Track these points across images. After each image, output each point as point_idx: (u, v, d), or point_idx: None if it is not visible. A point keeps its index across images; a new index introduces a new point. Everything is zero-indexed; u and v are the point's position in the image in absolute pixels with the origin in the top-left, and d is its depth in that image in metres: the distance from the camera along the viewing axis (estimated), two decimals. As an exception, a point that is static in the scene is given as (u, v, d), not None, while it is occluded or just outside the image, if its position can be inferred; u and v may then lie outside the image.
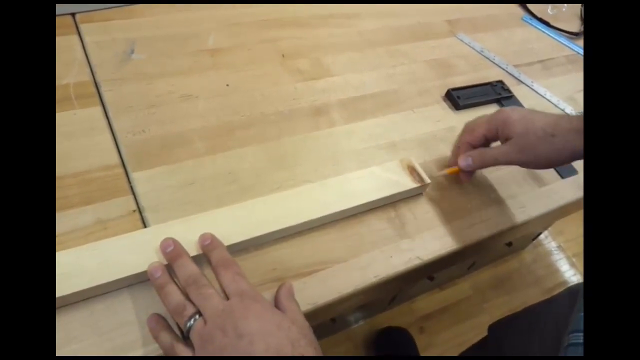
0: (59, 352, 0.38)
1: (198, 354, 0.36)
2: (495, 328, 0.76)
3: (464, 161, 0.53)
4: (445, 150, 0.62)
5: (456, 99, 0.69)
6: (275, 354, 0.35)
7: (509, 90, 0.74)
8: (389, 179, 0.54)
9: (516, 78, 0.78)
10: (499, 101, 0.73)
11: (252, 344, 0.35)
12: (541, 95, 0.77)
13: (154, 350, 0.39)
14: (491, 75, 0.77)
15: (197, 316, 0.37)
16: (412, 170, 0.56)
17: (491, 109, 0.68)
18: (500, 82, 0.75)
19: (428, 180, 0.55)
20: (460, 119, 0.64)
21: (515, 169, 0.62)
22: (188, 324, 0.37)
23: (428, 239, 0.53)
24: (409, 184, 0.54)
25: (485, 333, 0.79)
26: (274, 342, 0.35)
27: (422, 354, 1.25)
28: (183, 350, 0.37)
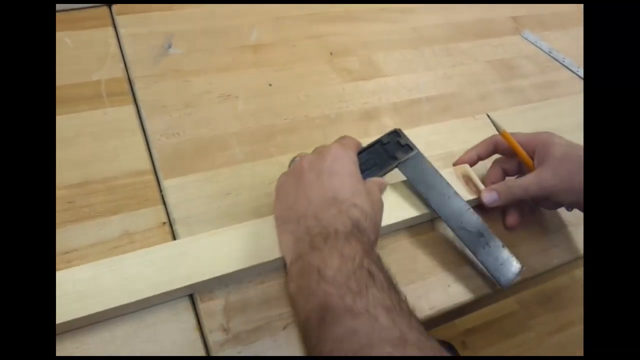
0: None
1: None
2: None
3: (488, 196, 0.46)
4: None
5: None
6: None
7: (408, 147, 0.46)
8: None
9: (589, 82, 0.70)
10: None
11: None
12: (618, 102, 0.68)
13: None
14: (560, 78, 0.69)
15: None
16: (468, 180, 0.49)
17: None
18: (396, 132, 0.47)
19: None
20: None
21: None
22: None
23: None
24: (463, 194, 0.47)
25: (531, 351, 0.72)
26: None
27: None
28: None
